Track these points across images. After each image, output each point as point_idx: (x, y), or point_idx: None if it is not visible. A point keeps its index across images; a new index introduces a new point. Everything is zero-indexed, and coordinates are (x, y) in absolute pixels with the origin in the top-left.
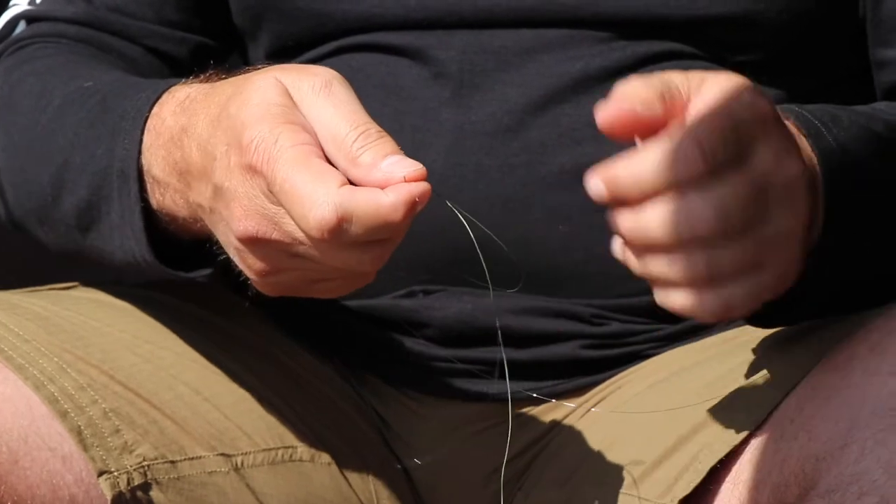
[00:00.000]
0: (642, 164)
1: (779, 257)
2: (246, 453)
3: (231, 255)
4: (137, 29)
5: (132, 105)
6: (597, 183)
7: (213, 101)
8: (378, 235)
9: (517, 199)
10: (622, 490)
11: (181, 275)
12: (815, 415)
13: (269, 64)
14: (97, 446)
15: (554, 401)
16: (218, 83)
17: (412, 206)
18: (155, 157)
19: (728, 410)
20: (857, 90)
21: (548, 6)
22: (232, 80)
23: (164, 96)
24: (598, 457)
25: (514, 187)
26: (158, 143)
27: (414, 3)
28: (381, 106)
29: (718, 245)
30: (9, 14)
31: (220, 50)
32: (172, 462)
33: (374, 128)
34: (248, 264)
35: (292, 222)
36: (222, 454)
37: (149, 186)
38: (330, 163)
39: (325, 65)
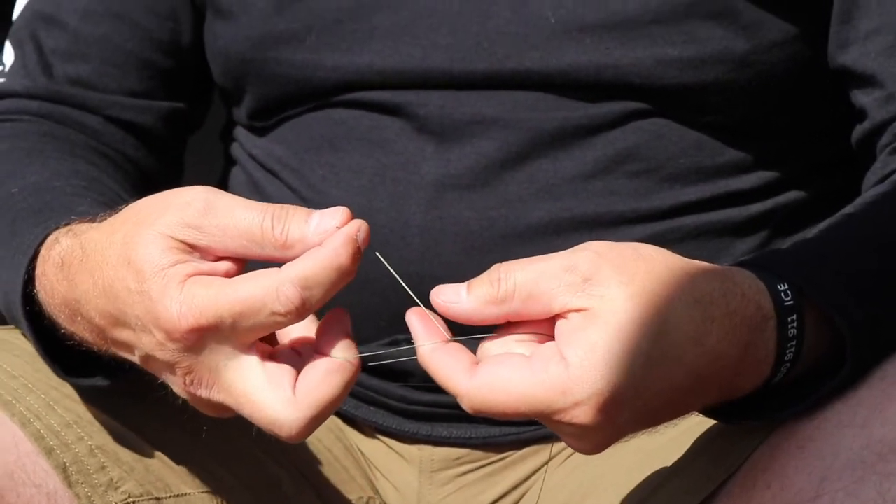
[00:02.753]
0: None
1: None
2: (231, 489)
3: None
4: (98, 101)
5: (25, 240)
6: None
7: (94, 270)
8: (338, 286)
9: (496, 250)
10: None
11: (94, 383)
12: (788, 464)
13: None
14: (82, 483)
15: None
16: (89, 242)
17: (352, 243)
18: (57, 314)
19: (701, 458)
20: (829, 145)
21: (523, 74)
22: (104, 238)
23: (43, 250)
24: (581, 501)
25: (493, 239)
26: (54, 303)
27: (390, 70)
28: (364, 158)
29: None
30: None
31: (192, 113)
32: (158, 499)
33: (274, 207)
34: (204, 411)
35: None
36: (207, 491)
37: (57, 321)
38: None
39: (308, 119)
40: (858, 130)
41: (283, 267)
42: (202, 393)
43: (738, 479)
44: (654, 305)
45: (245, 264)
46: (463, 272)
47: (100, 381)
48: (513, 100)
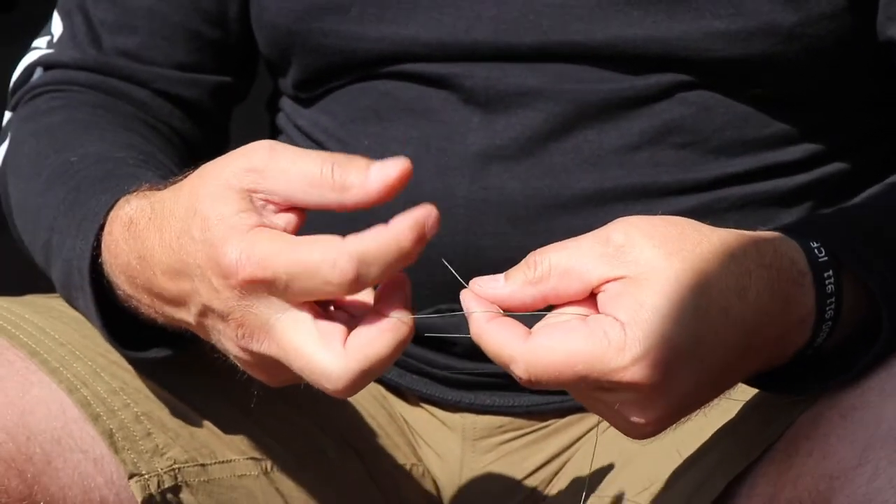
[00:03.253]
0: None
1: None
2: (276, 456)
3: (236, 362)
4: (146, 73)
5: (94, 206)
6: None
7: (161, 225)
8: (396, 267)
9: (541, 221)
10: (644, 501)
11: (148, 356)
12: (831, 433)
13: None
14: (128, 449)
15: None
16: (158, 201)
17: (419, 229)
18: (117, 276)
19: (744, 426)
20: (876, 116)
21: (568, 46)
22: (171, 196)
23: (113, 212)
24: (620, 470)
25: (538, 210)
26: (117, 263)
27: (435, 42)
28: (409, 129)
29: None
30: (28, 60)
31: (238, 86)
32: (203, 465)
33: (336, 155)
34: (255, 373)
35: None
36: (252, 458)
37: (117, 290)
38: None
39: (354, 90)
40: None
41: (346, 238)
42: (254, 346)
43: (779, 446)
44: (690, 262)
45: (305, 218)
46: (508, 243)
47: (154, 354)
48: (558, 72)
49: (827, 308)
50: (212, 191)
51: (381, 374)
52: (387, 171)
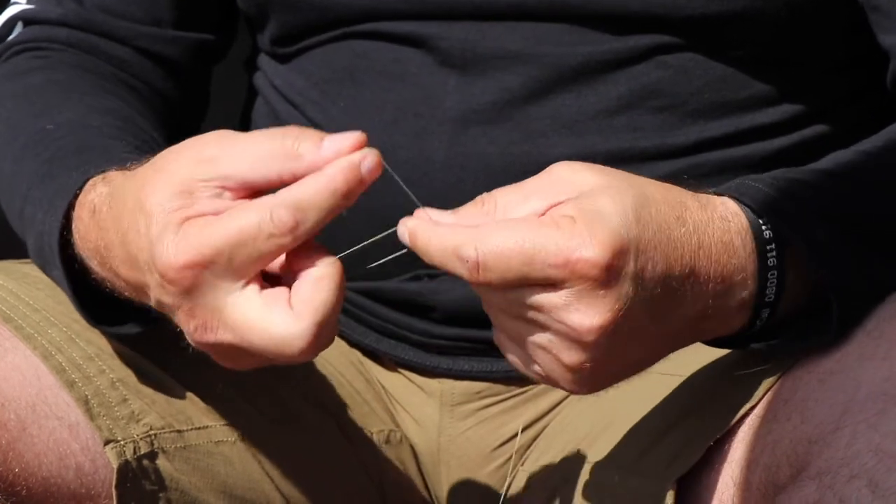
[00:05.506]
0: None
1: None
2: (253, 423)
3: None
4: (126, 30)
5: (64, 184)
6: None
7: (119, 216)
8: (335, 211)
9: None
10: (621, 467)
11: (119, 331)
12: (809, 397)
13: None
14: (104, 416)
15: None
16: (117, 189)
17: (352, 170)
18: (89, 258)
19: (724, 390)
20: (854, 77)
21: (547, 4)
22: (130, 186)
23: (81, 195)
24: (598, 435)
25: (516, 175)
26: (87, 247)
27: None
28: (385, 92)
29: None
30: (8, 13)
31: (217, 45)
32: (179, 431)
33: (292, 129)
34: (219, 360)
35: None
36: (229, 424)
37: (89, 266)
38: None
39: (329, 50)
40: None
41: (279, 191)
42: (209, 338)
43: (758, 411)
44: (629, 182)
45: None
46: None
47: (130, 329)
48: (537, 33)
49: (769, 256)
50: (158, 185)
51: (335, 321)
52: (339, 143)
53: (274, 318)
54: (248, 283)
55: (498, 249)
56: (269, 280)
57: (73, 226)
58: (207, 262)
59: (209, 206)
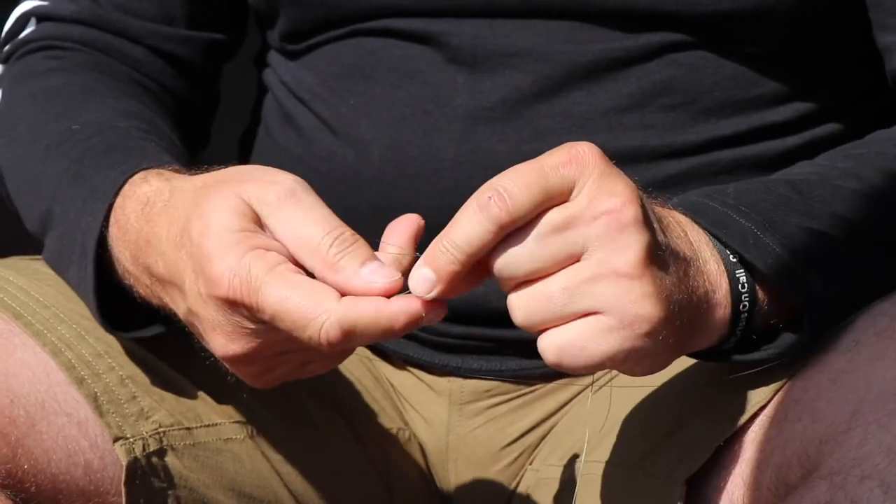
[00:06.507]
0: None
1: (612, 300)
2: (262, 420)
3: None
4: (140, 29)
5: (101, 183)
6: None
7: (172, 217)
8: (377, 340)
9: None
10: (630, 467)
11: (135, 335)
12: (820, 397)
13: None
14: (113, 413)
15: (565, 380)
16: (177, 187)
17: (415, 319)
18: (122, 251)
19: (733, 390)
20: (864, 76)
21: (558, 1)
22: (190, 188)
23: (127, 187)
24: (607, 434)
25: None
26: (125, 238)
27: None
28: (394, 89)
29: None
30: (21, 9)
31: (229, 44)
32: (188, 429)
33: (347, 231)
34: (238, 371)
35: (283, 333)
36: (238, 421)
37: (116, 264)
38: (307, 273)
39: (338, 47)
40: (891, 70)
41: (342, 300)
42: (236, 349)
43: (768, 411)
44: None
45: None
46: None
47: (146, 333)
48: (547, 30)
49: (735, 267)
50: (223, 196)
51: (365, 341)
52: (375, 279)
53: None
54: None
55: (513, 173)
56: None
57: (112, 217)
58: (254, 307)
59: (275, 244)
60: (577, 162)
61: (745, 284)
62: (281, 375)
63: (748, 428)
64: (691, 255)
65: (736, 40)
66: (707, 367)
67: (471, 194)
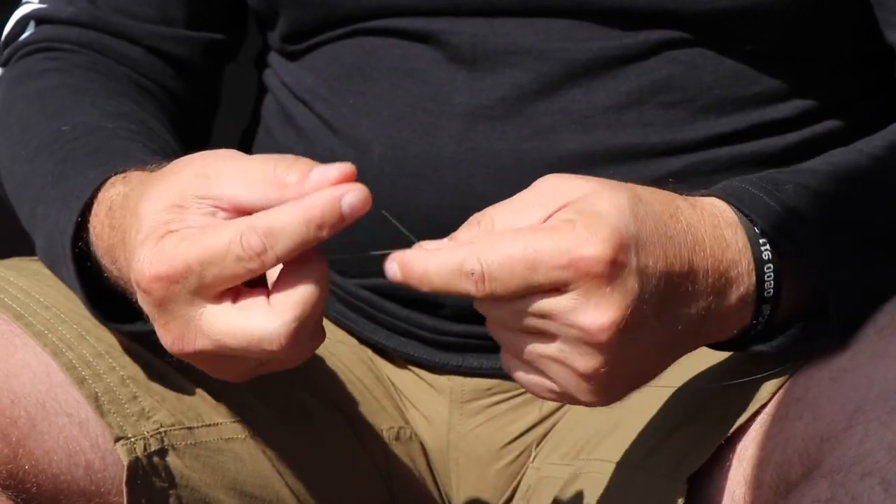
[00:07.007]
0: (436, 265)
1: (564, 384)
2: (263, 420)
3: None
4: (138, 30)
5: (81, 183)
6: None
7: (122, 217)
8: (306, 243)
9: (528, 183)
10: (631, 466)
11: (132, 329)
12: (821, 395)
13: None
14: (114, 413)
15: None
16: (134, 190)
17: (331, 204)
18: (101, 256)
19: (734, 388)
20: (864, 74)
21: (557, 0)
22: (140, 187)
23: (101, 193)
24: (608, 433)
25: (525, 172)
26: (101, 245)
27: None
28: (394, 88)
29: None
30: (20, 12)
31: (229, 44)
32: (189, 428)
33: (287, 157)
34: (207, 370)
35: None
36: (239, 421)
37: (102, 264)
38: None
39: (338, 47)
40: None
41: (253, 214)
42: (188, 348)
43: (770, 409)
44: (620, 186)
45: None
46: (494, 203)
47: (141, 327)
48: (547, 28)
49: (762, 249)
50: (156, 193)
51: (318, 317)
52: (326, 173)
53: (250, 318)
54: (222, 298)
55: (502, 258)
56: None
57: (90, 223)
58: (177, 276)
59: (198, 222)
60: (574, 269)
61: (771, 286)
62: (243, 372)
63: (749, 426)
64: (714, 287)
65: (735, 38)
66: (707, 367)
67: (471, 193)
